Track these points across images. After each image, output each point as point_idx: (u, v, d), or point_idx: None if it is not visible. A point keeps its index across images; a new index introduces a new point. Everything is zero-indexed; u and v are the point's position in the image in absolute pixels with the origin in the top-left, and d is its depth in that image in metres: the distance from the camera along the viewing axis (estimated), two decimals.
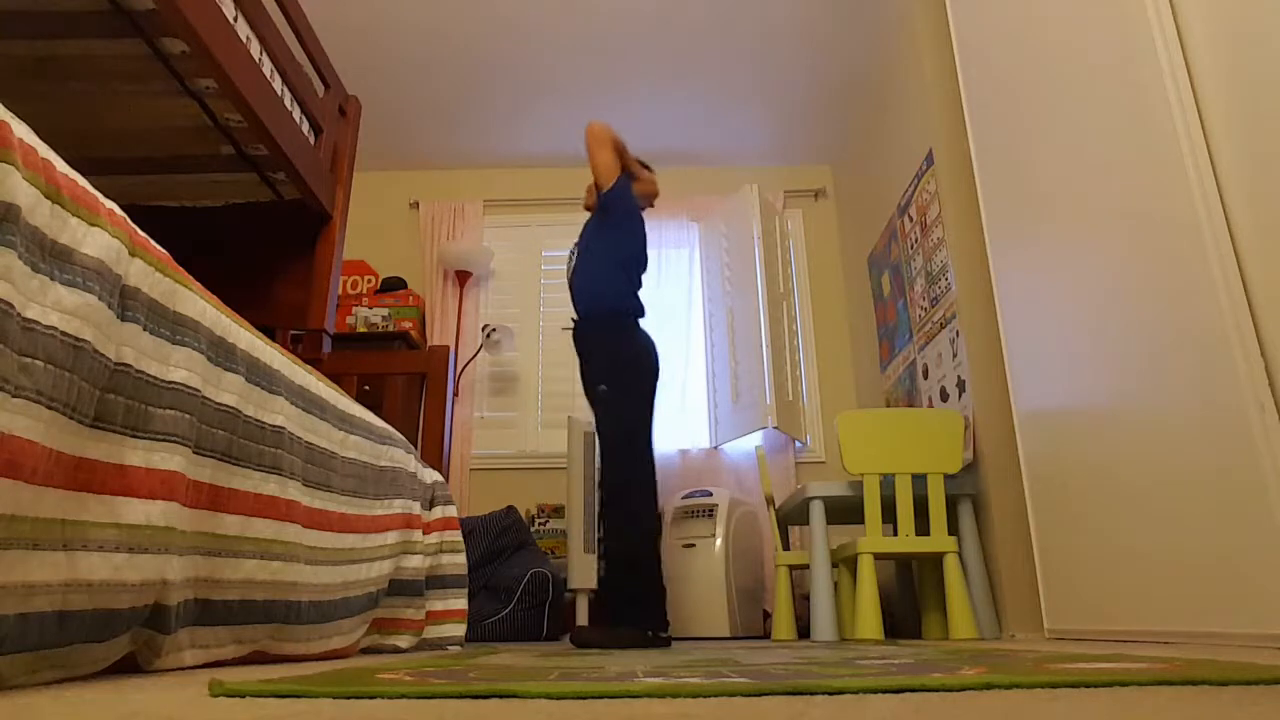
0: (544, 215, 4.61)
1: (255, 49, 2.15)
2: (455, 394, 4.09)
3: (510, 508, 3.50)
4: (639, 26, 3.64)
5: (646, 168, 2.99)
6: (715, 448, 4.01)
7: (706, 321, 4.22)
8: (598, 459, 2.57)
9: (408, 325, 4.04)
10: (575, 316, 2.72)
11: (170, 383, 0.99)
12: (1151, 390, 1.63)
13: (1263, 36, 1.37)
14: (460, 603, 2.09)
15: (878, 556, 2.60)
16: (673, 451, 4.01)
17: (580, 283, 2.71)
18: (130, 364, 0.92)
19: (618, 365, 2.56)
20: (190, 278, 1.08)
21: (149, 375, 0.95)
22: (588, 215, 2.92)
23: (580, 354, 2.67)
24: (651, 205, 2.98)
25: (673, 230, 4.43)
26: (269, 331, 2.48)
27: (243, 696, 0.67)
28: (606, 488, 2.46)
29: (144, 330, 0.95)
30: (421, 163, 4.65)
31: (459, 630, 2.06)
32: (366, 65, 3.85)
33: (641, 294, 2.72)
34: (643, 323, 2.67)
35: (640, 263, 2.75)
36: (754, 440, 3.79)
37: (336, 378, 2.43)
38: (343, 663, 1.31)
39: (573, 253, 2.83)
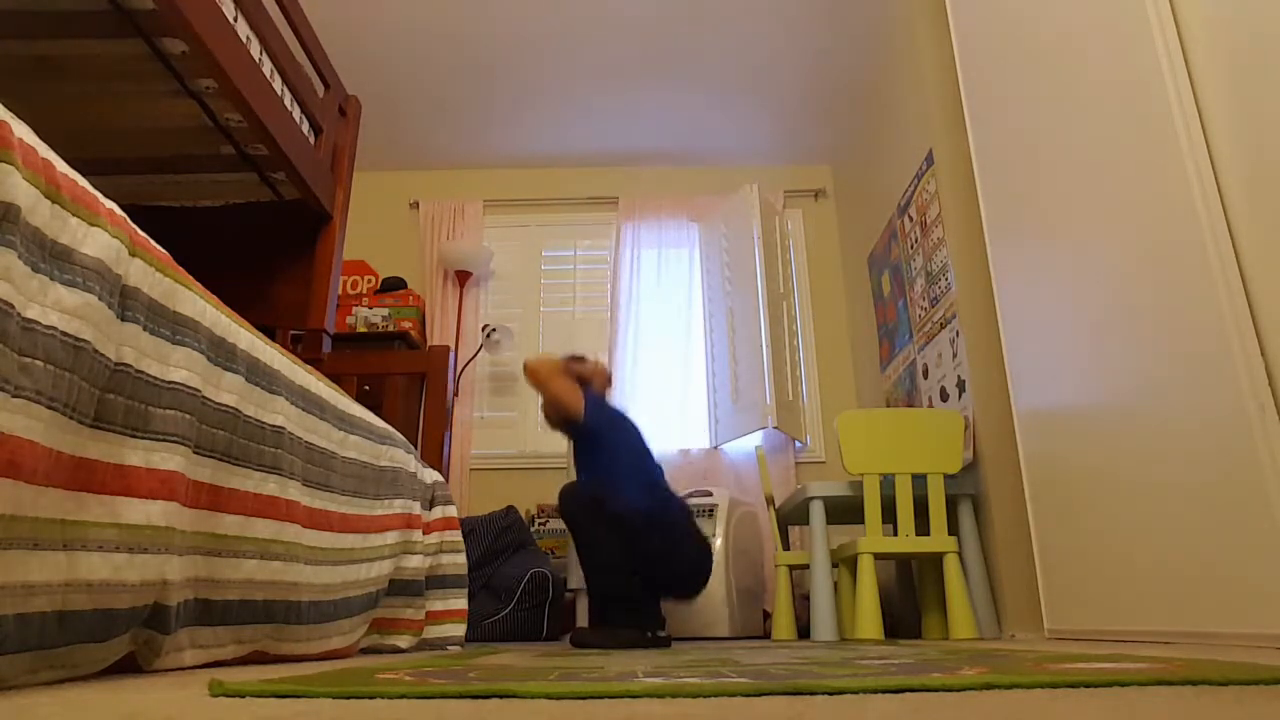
0: (544, 215, 4.61)
1: (255, 49, 2.15)
2: (455, 394, 4.09)
3: (510, 508, 3.50)
4: (639, 26, 3.64)
5: (584, 362, 2.81)
6: (715, 448, 4.01)
7: (706, 321, 4.22)
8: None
9: (408, 325, 4.04)
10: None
11: (170, 383, 0.99)
12: (1151, 390, 1.63)
13: (1263, 36, 1.37)
14: (460, 603, 2.09)
15: (878, 556, 2.60)
16: (673, 451, 4.01)
17: (613, 500, 2.47)
18: (130, 364, 0.92)
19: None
20: (190, 278, 1.08)
21: (149, 375, 0.95)
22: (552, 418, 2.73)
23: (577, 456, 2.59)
24: (611, 388, 2.85)
25: (673, 230, 4.43)
26: (269, 331, 2.48)
27: (243, 696, 0.67)
28: (562, 499, 2.40)
29: (144, 330, 0.95)
30: (421, 163, 4.65)
31: (459, 630, 2.06)
32: (366, 65, 3.85)
33: (653, 465, 2.59)
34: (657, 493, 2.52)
35: (644, 450, 2.60)
36: (754, 440, 3.79)
37: (336, 378, 2.42)
38: (343, 663, 1.31)
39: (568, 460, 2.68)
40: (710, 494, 3.35)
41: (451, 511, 2.14)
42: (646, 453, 2.61)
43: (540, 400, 2.74)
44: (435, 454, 2.66)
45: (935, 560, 2.68)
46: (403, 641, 1.85)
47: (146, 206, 2.56)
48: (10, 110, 0.82)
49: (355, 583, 1.56)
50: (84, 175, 1.21)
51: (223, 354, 1.13)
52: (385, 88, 4.02)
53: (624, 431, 2.62)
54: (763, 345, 3.73)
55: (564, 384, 2.60)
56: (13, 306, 0.74)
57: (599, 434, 2.59)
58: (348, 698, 0.66)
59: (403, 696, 0.66)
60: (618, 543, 2.34)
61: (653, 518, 2.40)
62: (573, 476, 3.17)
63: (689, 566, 2.44)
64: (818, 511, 2.66)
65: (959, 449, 2.55)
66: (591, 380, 2.77)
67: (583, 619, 3.15)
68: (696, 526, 2.50)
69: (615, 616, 2.31)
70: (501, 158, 4.61)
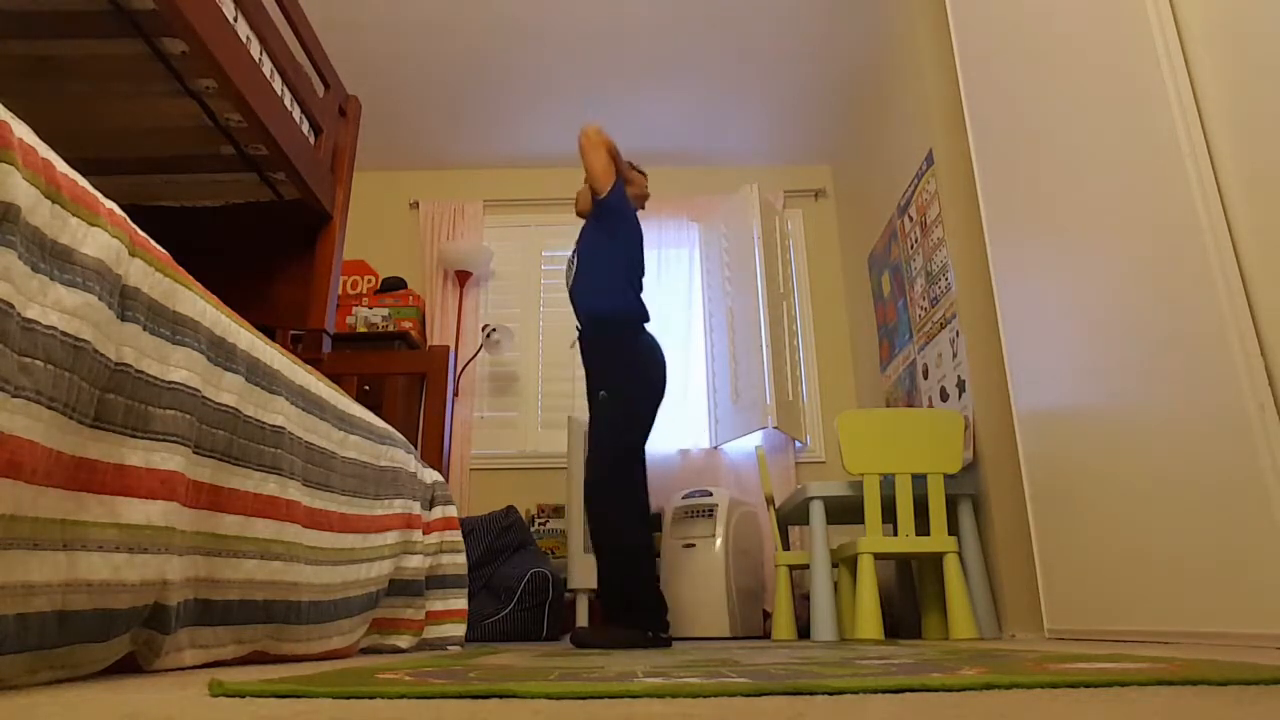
0: (544, 215, 4.61)
1: (255, 49, 2.15)
2: (455, 394, 4.09)
3: (510, 508, 3.50)
4: (639, 26, 3.64)
5: (638, 171, 2.97)
6: (715, 448, 4.01)
7: (706, 321, 4.22)
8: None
9: (408, 325, 4.04)
10: (578, 325, 2.70)
11: (170, 383, 0.99)
12: (1152, 390, 1.63)
13: (1263, 36, 1.37)
14: (460, 603, 2.09)
15: (878, 556, 2.60)
16: (673, 451, 4.01)
17: (580, 291, 2.68)
18: (130, 364, 0.92)
19: (619, 372, 2.53)
20: (190, 278, 1.08)
21: (149, 375, 0.95)
22: (582, 221, 2.90)
23: (585, 363, 2.64)
24: (643, 207, 2.96)
25: (673, 230, 4.43)
26: (269, 331, 2.48)
27: (243, 696, 0.67)
28: (590, 497, 2.42)
29: (144, 330, 0.95)
30: (421, 163, 4.65)
31: (459, 630, 2.06)
32: (366, 65, 3.85)
33: (644, 298, 2.71)
34: (648, 327, 2.65)
35: (639, 267, 2.73)
36: (754, 440, 3.79)
37: (336, 378, 2.42)
38: (343, 663, 1.31)
39: (571, 261, 2.81)
40: (710, 494, 3.35)
41: (451, 511, 2.14)
42: (640, 267, 2.75)
43: (577, 196, 2.92)
44: (435, 454, 2.66)
45: (935, 560, 2.68)
46: (403, 641, 1.85)
47: (146, 206, 2.56)
48: (10, 110, 0.82)
49: (355, 583, 1.56)
50: (84, 175, 1.21)
51: (223, 354, 1.13)
52: (385, 88, 4.02)
53: (628, 232, 2.73)
54: (763, 345, 3.73)
55: (606, 159, 2.75)
56: (13, 306, 0.74)
57: (607, 216, 2.72)
58: (348, 698, 0.66)
59: (403, 696, 0.66)
60: (647, 538, 2.40)
61: (631, 316, 2.61)
62: (573, 476, 3.17)
63: (658, 362, 2.60)
64: (818, 511, 2.66)
65: (959, 449, 2.55)
66: (630, 181, 2.89)
67: (583, 619, 3.16)
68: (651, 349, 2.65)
69: (621, 614, 2.31)
70: (501, 158, 4.61)
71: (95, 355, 0.85)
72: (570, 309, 2.78)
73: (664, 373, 2.59)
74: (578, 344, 2.69)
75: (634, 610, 2.32)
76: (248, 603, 1.18)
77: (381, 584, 1.71)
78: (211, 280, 2.44)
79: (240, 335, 1.19)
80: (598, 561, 2.40)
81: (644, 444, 2.53)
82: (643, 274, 2.75)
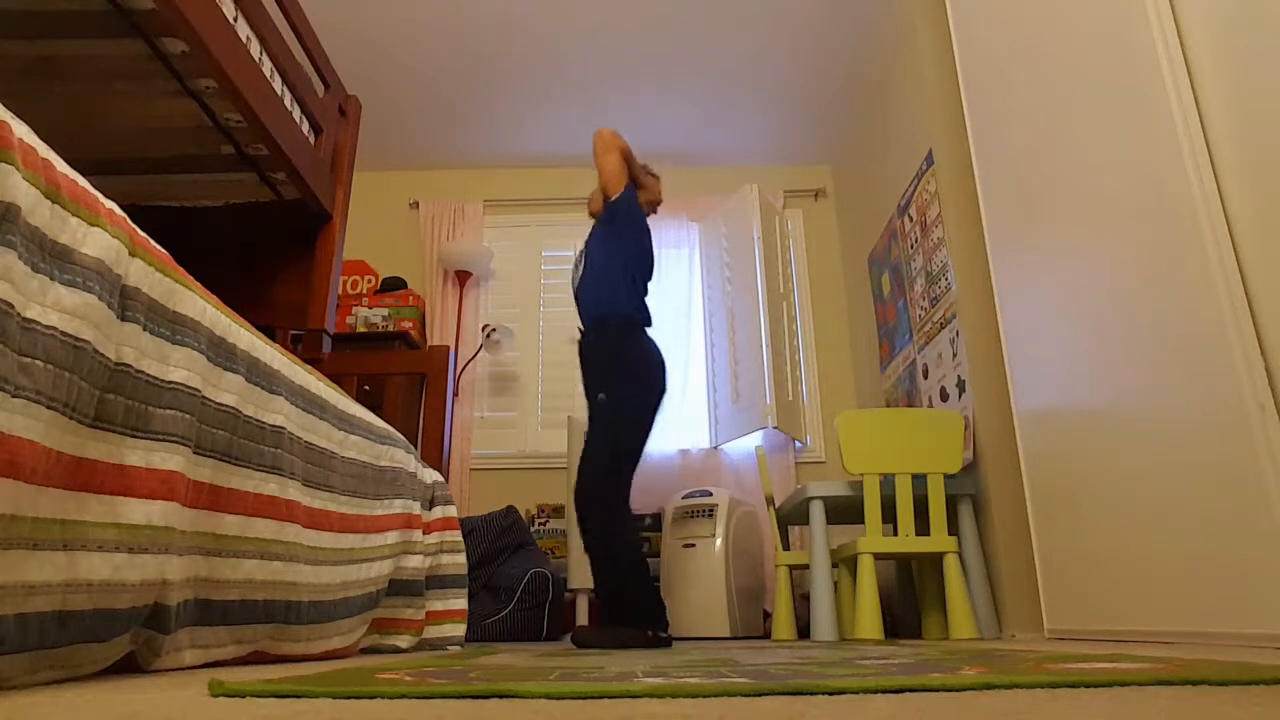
0: (544, 215, 4.61)
1: (255, 49, 2.15)
2: (455, 394, 4.09)
3: (510, 508, 3.50)
4: (639, 26, 3.64)
5: (652, 174, 2.95)
6: (715, 448, 4.01)
7: (706, 321, 4.22)
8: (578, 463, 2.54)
9: (408, 325, 4.04)
10: (581, 326, 2.69)
11: (170, 383, 0.99)
12: (1151, 390, 1.63)
13: (1263, 36, 1.37)
14: (460, 603, 2.09)
15: (878, 556, 2.60)
16: (673, 451, 4.01)
17: (586, 292, 2.68)
18: (130, 364, 0.92)
19: (619, 375, 2.53)
20: (190, 278, 1.08)
21: (149, 375, 0.95)
22: (591, 221, 2.89)
23: (583, 364, 2.63)
24: (655, 211, 2.96)
25: (673, 230, 4.43)
26: (269, 331, 2.48)
27: (243, 696, 0.67)
28: (581, 499, 2.41)
29: (144, 330, 0.95)
30: (421, 163, 4.65)
31: (459, 630, 2.06)
32: (366, 65, 3.85)
33: (649, 301, 2.70)
34: (650, 331, 2.65)
35: (646, 270, 2.72)
36: (754, 440, 3.79)
37: (336, 378, 2.42)
38: (343, 663, 1.31)
39: (577, 262, 2.80)
40: (710, 494, 3.34)
41: (451, 511, 2.14)
42: (647, 271, 2.73)
43: (590, 197, 2.90)
44: (435, 454, 2.65)
45: (935, 560, 2.68)
46: (403, 641, 1.85)
47: (146, 206, 2.56)
48: (10, 110, 0.82)
49: (355, 583, 1.56)
50: (84, 175, 1.21)
51: (223, 354, 1.13)
52: (385, 88, 4.02)
53: (637, 235, 2.72)
54: (763, 345, 3.73)
55: (619, 162, 2.74)
56: (13, 306, 0.74)
57: (617, 218, 2.71)
58: (348, 698, 0.66)
59: (403, 696, 0.66)
60: (636, 539, 2.40)
61: (634, 320, 2.61)
62: (573, 476, 3.17)
63: (658, 367, 2.60)
64: (818, 511, 2.66)
65: (959, 449, 2.55)
66: (643, 186, 2.88)
67: (583, 619, 3.16)
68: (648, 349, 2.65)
69: (619, 615, 2.31)
70: (501, 158, 4.61)
71: (95, 355, 0.85)
72: (573, 309, 2.77)
73: (664, 377, 2.59)
74: (576, 344, 2.69)
75: (633, 610, 2.31)
76: (248, 603, 1.18)
77: (381, 584, 1.71)
78: (211, 280, 2.44)
79: (240, 335, 1.19)
80: (591, 564, 2.39)
81: (642, 448, 2.52)
82: (650, 278, 2.74)
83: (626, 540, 2.38)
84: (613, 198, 2.70)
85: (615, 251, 2.68)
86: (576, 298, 2.73)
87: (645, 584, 2.37)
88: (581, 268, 2.76)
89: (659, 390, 2.56)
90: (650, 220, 2.79)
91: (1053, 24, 2.00)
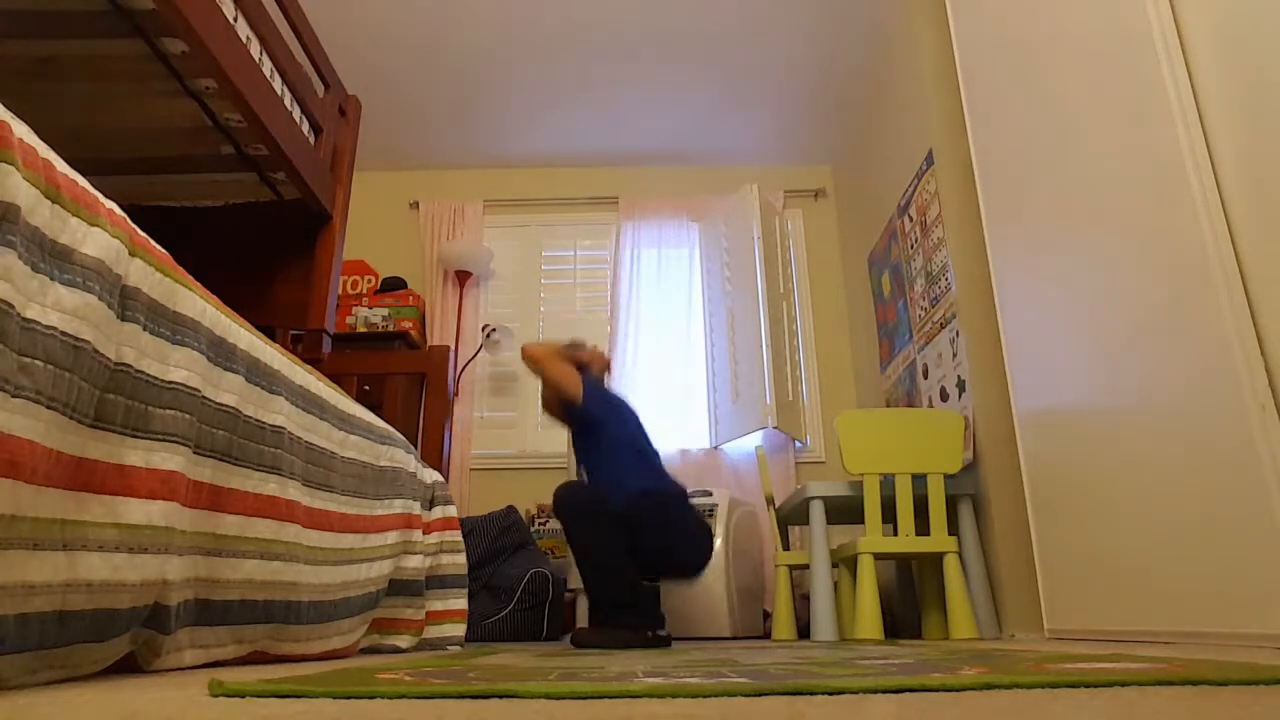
0: (544, 215, 4.61)
1: (255, 49, 2.15)
2: (455, 394, 4.09)
3: (510, 508, 3.50)
4: (639, 27, 3.64)
5: (579, 345, 2.86)
6: (715, 448, 4.01)
7: (706, 321, 4.22)
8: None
9: (408, 325, 4.04)
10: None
11: (170, 383, 0.99)
12: (1151, 390, 1.63)
13: (1263, 37, 1.37)
14: (460, 603, 2.09)
15: (878, 556, 2.60)
16: (673, 451, 4.01)
17: (603, 480, 2.58)
18: (130, 364, 0.92)
19: (667, 535, 2.50)
20: (190, 278, 1.08)
21: (149, 375, 0.95)
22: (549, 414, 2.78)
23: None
24: (610, 370, 2.86)
25: (673, 230, 4.43)
26: (269, 331, 2.48)
27: (243, 696, 0.67)
28: (559, 504, 2.39)
29: (144, 330, 0.95)
30: (421, 163, 4.65)
31: (459, 630, 2.06)
32: (366, 65, 3.85)
33: (652, 453, 2.65)
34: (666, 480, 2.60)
35: (643, 438, 2.66)
36: (754, 440, 3.79)
37: (336, 378, 2.43)
38: (343, 663, 1.31)
39: (571, 461, 2.72)
40: (710, 494, 3.34)
41: (451, 511, 2.14)
42: (644, 438, 2.64)
43: (540, 389, 2.77)
44: (435, 454, 2.66)
45: (935, 560, 2.68)
46: (403, 641, 1.85)
47: (146, 206, 2.56)
48: (10, 110, 0.82)
49: (355, 583, 1.56)
50: (84, 175, 1.21)
51: (223, 354, 1.13)
52: (385, 88, 4.02)
53: (621, 417, 2.64)
54: (763, 345, 3.73)
55: (562, 367, 2.63)
56: (13, 306, 0.74)
57: (596, 419, 2.61)
58: (348, 698, 0.66)
59: (403, 696, 0.66)
60: (616, 542, 2.35)
61: (651, 497, 2.45)
62: (573, 475, 3.17)
63: (691, 543, 2.51)
64: (818, 511, 2.66)
65: (959, 449, 2.55)
66: (590, 365, 2.79)
67: (583, 619, 3.15)
68: (693, 507, 2.53)
69: (614, 617, 2.31)
70: (501, 158, 4.61)
71: (95, 355, 0.85)
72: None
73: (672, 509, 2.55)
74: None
75: (630, 610, 2.31)
76: (248, 603, 1.18)
77: (381, 584, 1.71)
78: (211, 280, 2.44)
79: (240, 335, 1.19)
80: (578, 567, 2.39)
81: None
82: (646, 438, 2.67)
83: (605, 539, 2.35)
84: (579, 402, 2.61)
85: (608, 443, 2.60)
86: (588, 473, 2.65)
87: (635, 583, 2.36)
88: (578, 463, 2.68)
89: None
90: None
91: (1052, 24, 2.00)
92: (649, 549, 2.42)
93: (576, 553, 2.37)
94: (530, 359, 2.66)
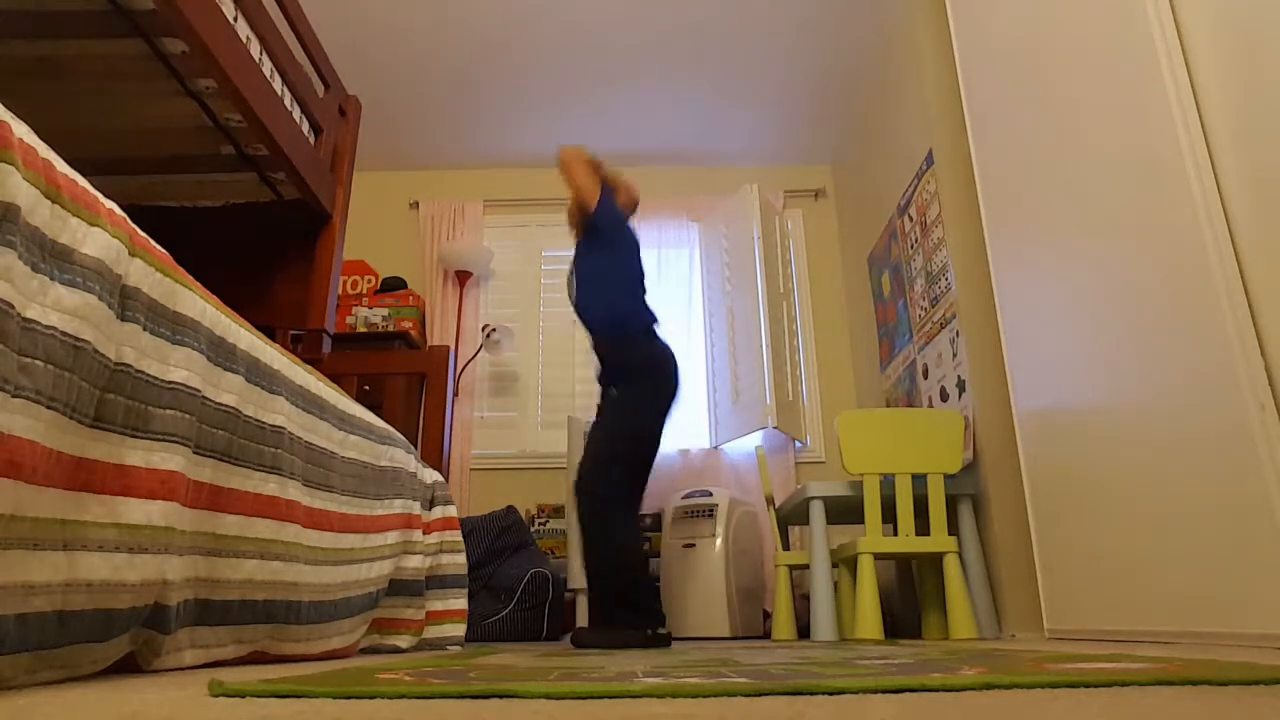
0: (544, 215, 4.61)
1: (255, 49, 2.15)
2: (455, 394, 4.09)
3: (510, 508, 3.50)
4: (639, 27, 3.64)
5: (617, 173, 2.91)
6: (715, 448, 4.01)
7: (706, 321, 4.22)
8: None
9: (408, 325, 4.04)
10: (590, 338, 2.68)
11: (170, 383, 0.99)
12: (1152, 390, 1.63)
13: (1263, 37, 1.37)
14: (460, 603, 2.09)
15: (878, 556, 2.60)
16: (673, 451, 4.01)
17: (586, 308, 2.66)
18: (130, 364, 0.92)
19: (631, 377, 2.53)
20: (190, 278, 1.08)
21: (149, 375, 0.95)
22: (572, 233, 2.86)
23: (599, 359, 2.64)
24: (635, 211, 2.92)
25: (673, 230, 4.43)
26: (269, 331, 2.48)
27: (243, 696, 0.67)
28: (580, 490, 2.41)
29: (144, 330, 0.95)
30: (421, 163, 4.65)
31: (459, 630, 2.06)
32: (366, 65, 3.85)
33: (649, 300, 2.69)
34: (659, 330, 2.64)
35: (640, 276, 2.71)
36: (754, 440, 3.79)
37: (336, 378, 2.42)
38: (343, 663, 1.31)
39: (570, 278, 2.78)
40: (710, 494, 3.34)
41: (451, 511, 2.14)
42: (640, 276, 2.71)
43: (568, 203, 2.86)
44: (435, 454, 2.66)
45: (935, 560, 2.68)
46: (403, 641, 1.85)
47: (146, 206, 2.56)
48: (10, 110, 0.82)
49: (355, 583, 1.56)
50: (84, 175, 1.21)
51: (223, 354, 1.13)
52: (385, 88, 4.02)
53: (624, 243, 2.70)
54: (763, 345, 3.73)
55: (588, 174, 2.70)
56: (13, 306, 0.74)
57: (601, 230, 2.67)
58: (348, 698, 0.66)
59: (403, 696, 0.66)
60: (637, 533, 2.40)
61: (640, 327, 2.59)
62: (572, 472, 3.17)
63: (669, 362, 2.57)
64: (818, 511, 2.66)
65: (959, 449, 2.55)
66: (616, 188, 2.84)
67: (583, 619, 3.15)
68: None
69: (614, 616, 2.31)
70: (501, 158, 4.61)
71: (95, 355, 0.85)
72: (570, 308, 2.76)
73: (676, 377, 2.58)
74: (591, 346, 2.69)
75: (631, 610, 2.31)
76: (248, 603, 1.18)
77: (381, 584, 1.71)
78: (211, 280, 2.44)
79: (240, 335, 1.19)
80: (585, 557, 2.39)
81: (654, 454, 2.52)
82: (644, 279, 2.73)
83: (623, 536, 2.36)
84: (592, 209, 2.67)
85: (605, 265, 2.67)
86: (576, 310, 2.72)
87: (644, 582, 2.36)
88: (574, 285, 2.74)
89: (670, 392, 2.56)
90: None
91: (1052, 24, 2.00)
92: (667, 411, 2.54)
93: (596, 539, 2.36)
94: (564, 160, 2.73)
